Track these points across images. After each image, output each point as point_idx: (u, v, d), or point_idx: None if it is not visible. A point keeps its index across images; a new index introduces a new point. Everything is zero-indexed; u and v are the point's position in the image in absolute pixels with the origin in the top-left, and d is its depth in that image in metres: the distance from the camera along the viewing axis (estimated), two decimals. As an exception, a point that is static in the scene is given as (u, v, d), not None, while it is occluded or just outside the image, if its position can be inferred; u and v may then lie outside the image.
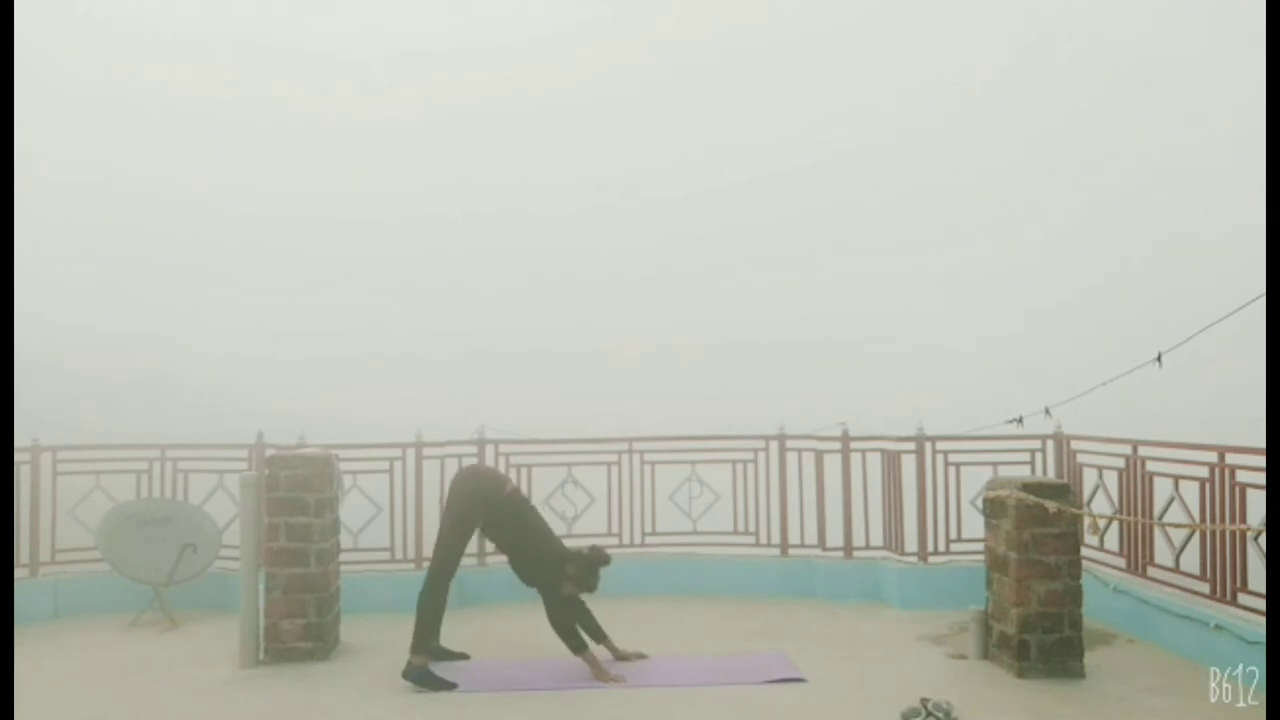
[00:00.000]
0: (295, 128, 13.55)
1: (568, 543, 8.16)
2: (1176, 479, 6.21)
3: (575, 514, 8.24)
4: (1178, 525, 5.89)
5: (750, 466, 8.25)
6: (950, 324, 13.66)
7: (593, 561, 6.09)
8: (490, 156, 13.90)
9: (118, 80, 12.90)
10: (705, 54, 14.08)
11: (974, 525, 7.12)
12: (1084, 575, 5.80)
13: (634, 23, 13.99)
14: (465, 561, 7.94)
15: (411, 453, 7.89)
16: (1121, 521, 6.60)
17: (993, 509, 6.01)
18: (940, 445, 7.71)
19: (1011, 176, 13.93)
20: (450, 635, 6.87)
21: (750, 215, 14.15)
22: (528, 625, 7.16)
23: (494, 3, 14.10)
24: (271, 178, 13.35)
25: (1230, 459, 5.75)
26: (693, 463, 8.32)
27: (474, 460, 8.05)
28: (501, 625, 7.17)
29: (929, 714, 4.84)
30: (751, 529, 8.23)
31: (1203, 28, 12.36)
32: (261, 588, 6.27)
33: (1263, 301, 4.45)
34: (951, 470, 7.69)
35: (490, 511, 6.13)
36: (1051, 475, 7.47)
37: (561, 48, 13.97)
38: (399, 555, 7.85)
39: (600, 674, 5.75)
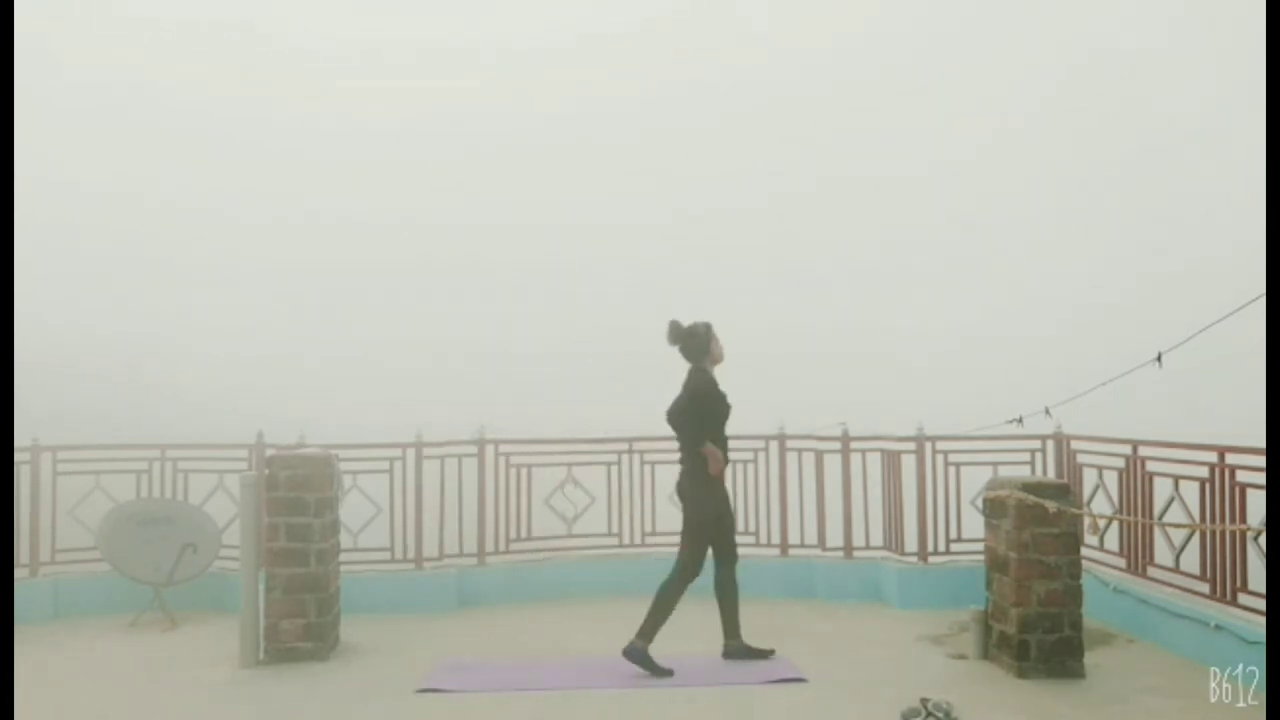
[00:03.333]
0: (295, 130, 13.55)
1: (569, 542, 8.26)
2: (1176, 479, 6.20)
3: (575, 514, 8.24)
4: (1178, 525, 5.89)
5: (750, 466, 8.24)
6: (951, 327, 13.66)
7: (701, 331, 6.20)
8: (492, 163, 13.92)
9: (118, 80, 12.91)
10: (717, 75, 14.16)
11: (974, 525, 7.12)
12: (1084, 575, 5.80)
13: (652, 37, 14.05)
14: (464, 562, 8.00)
15: (411, 453, 7.89)
16: (1121, 521, 6.60)
17: (993, 509, 6.00)
18: (940, 445, 7.71)
19: (1013, 184, 13.96)
20: (450, 635, 6.89)
21: (755, 229, 14.20)
22: (528, 625, 7.18)
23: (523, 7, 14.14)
24: (271, 179, 13.35)
25: (1230, 459, 5.74)
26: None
27: (473, 460, 8.05)
28: (502, 625, 7.18)
29: (929, 714, 4.84)
30: (751, 529, 8.22)
31: (1214, 47, 12.40)
32: (261, 588, 6.26)
33: (1263, 302, 4.46)
34: (951, 470, 7.69)
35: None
36: (1051, 475, 7.47)
37: (577, 58, 14.01)
38: (399, 555, 7.84)
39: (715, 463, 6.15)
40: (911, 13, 14.23)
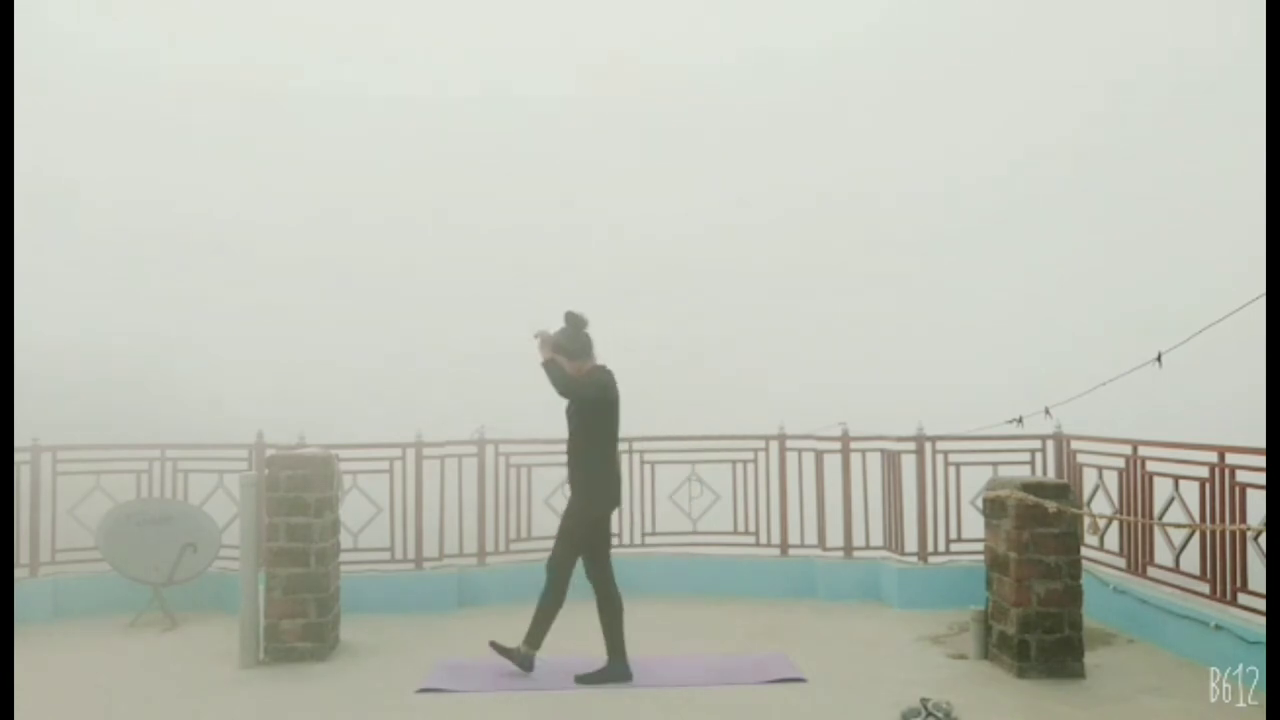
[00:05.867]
0: (292, 131, 13.55)
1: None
2: (1176, 479, 6.20)
3: (575, 514, 8.23)
4: (1178, 525, 5.89)
5: (750, 466, 8.24)
6: (951, 327, 13.66)
7: (570, 324, 5.88)
8: (489, 163, 13.93)
9: (115, 79, 12.89)
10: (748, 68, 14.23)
11: (974, 525, 7.12)
12: (1084, 575, 5.80)
13: (653, 44, 14.08)
14: (464, 562, 7.99)
15: (411, 453, 7.89)
16: (1121, 521, 6.60)
17: (993, 509, 6.00)
18: (940, 445, 7.71)
19: (1014, 184, 13.97)
20: (450, 635, 6.88)
21: (753, 232, 14.22)
22: (528, 625, 7.16)
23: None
24: (271, 180, 13.36)
25: (1230, 459, 5.74)
26: (693, 463, 8.31)
27: (473, 460, 8.05)
28: (502, 625, 7.16)
29: (929, 714, 4.84)
30: (751, 529, 8.22)
31: (1219, 53, 12.43)
32: (261, 588, 6.27)
33: (1263, 302, 4.46)
34: (951, 470, 7.69)
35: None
36: (1051, 475, 7.47)
37: (567, 59, 14.02)
38: (399, 555, 7.84)
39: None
40: (927, 22, 14.27)
